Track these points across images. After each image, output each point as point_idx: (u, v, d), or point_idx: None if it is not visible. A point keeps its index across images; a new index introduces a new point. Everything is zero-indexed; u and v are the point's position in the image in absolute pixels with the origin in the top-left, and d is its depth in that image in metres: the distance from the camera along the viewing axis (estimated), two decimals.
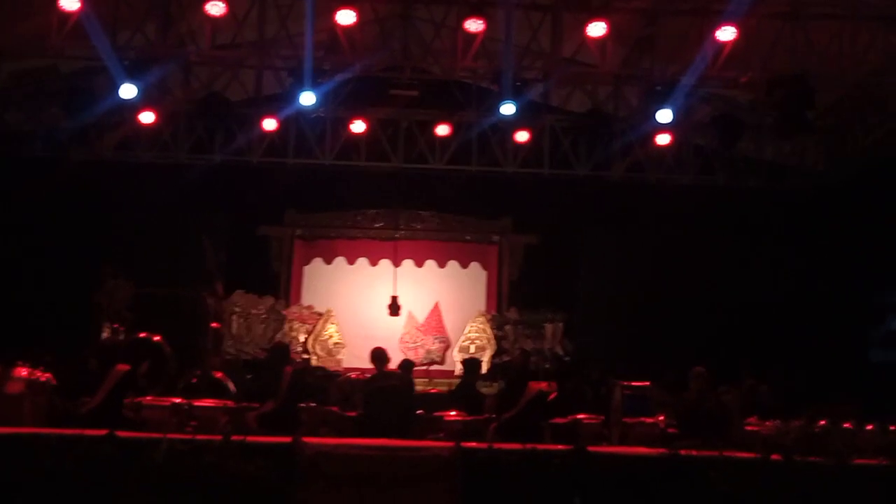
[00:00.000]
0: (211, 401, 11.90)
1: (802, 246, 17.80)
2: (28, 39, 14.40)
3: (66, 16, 13.59)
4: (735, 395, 13.12)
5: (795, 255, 17.88)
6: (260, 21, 14.76)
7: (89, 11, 13.52)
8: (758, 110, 15.92)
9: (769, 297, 17.89)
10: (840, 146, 17.29)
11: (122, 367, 11.72)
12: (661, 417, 12.27)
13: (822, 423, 11.77)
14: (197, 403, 11.58)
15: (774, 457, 9.23)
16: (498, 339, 19.40)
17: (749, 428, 12.25)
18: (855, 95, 15.95)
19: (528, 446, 9.28)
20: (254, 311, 19.28)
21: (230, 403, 12.22)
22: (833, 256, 17.41)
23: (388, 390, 12.69)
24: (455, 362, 19.03)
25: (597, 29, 14.06)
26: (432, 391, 16.04)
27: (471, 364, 15.05)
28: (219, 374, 13.75)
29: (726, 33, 13.70)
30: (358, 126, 17.05)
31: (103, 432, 8.86)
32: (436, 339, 19.73)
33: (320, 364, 18.67)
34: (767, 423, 12.26)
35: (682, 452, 9.25)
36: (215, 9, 13.84)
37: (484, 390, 15.35)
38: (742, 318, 17.73)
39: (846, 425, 11.74)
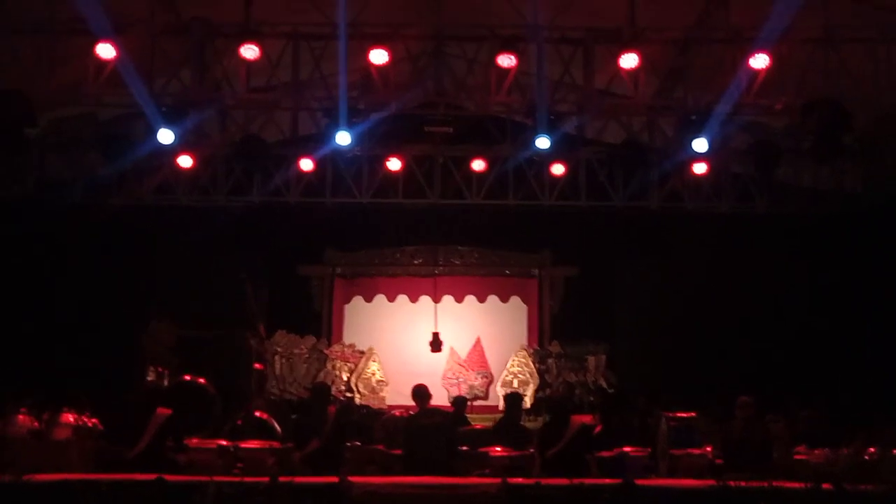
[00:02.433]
0: (257, 442, 11.96)
1: (844, 270, 17.64)
2: (65, 88, 14.53)
3: (102, 64, 13.76)
4: (783, 424, 13.01)
5: (838, 280, 17.73)
6: (294, 63, 14.85)
7: (125, 59, 13.68)
8: (794, 136, 15.82)
9: (812, 322, 17.75)
10: (878, 168, 17.15)
11: (164, 411, 11.78)
12: (709, 448, 12.19)
13: (872, 450, 11.65)
14: (243, 445, 11.66)
15: (825, 486, 9.12)
16: (541, 372, 19.34)
17: (798, 457, 12.15)
18: (891, 117, 15.85)
19: (576, 481, 9.23)
20: (296, 351, 19.36)
21: (276, 444, 12.26)
22: (876, 279, 17.25)
23: (430, 427, 12.66)
24: (498, 397, 19.00)
25: (629, 60, 14.09)
26: (477, 427, 15.97)
27: (512, 399, 14.96)
28: (264, 415, 13.80)
29: (759, 61, 13.68)
30: (394, 163, 17.08)
31: (151, 477, 8.91)
32: (478, 374, 19.72)
33: (364, 402, 18.69)
34: (816, 451, 12.15)
35: (732, 484, 9.17)
36: (249, 52, 13.98)
37: (528, 425, 15.29)
38: (786, 344, 17.60)
39: None
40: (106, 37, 13.48)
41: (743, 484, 9.17)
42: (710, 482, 9.45)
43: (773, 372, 16.78)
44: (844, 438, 12.32)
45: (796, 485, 9.40)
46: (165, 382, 14.84)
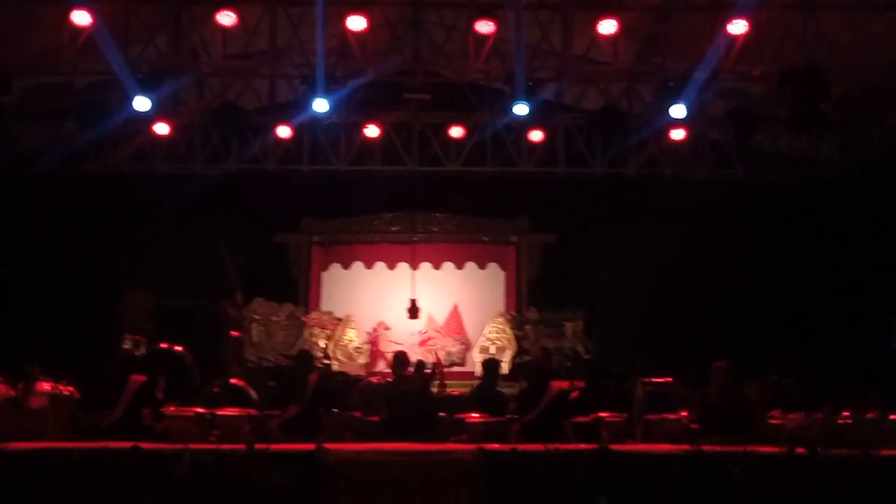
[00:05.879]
0: (233, 409, 11.95)
1: (821, 237, 17.74)
2: (40, 55, 14.42)
3: (77, 31, 13.64)
4: (758, 389, 13.08)
5: (814, 247, 17.84)
6: (271, 30, 14.73)
7: (100, 26, 13.56)
8: (771, 103, 15.81)
9: (789, 289, 17.85)
10: (855, 136, 17.19)
11: (138, 378, 11.76)
12: (685, 413, 12.24)
13: (846, 414, 11.72)
14: (219, 412, 11.63)
15: (799, 450, 9.18)
16: (518, 339, 19.38)
17: (773, 422, 12.21)
18: (869, 85, 15.86)
19: (552, 447, 9.26)
20: (274, 319, 19.34)
21: (253, 411, 12.26)
22: (852, 247, 17.34)
23: (409, 394, 12.71)
24: (475, 363, 19.03)
25: (608, 26, 14.03)
26: (454, 393, 16.01)
27: (490, 365, 14.94)
28: (240, 383, 13.80)
29: (738, 27, 13.64)
30: (372, 131, 17.02)
31: (127, 445, 8.90)
32: (456, 340, 19.76)
33: (341, 369, 18.69)
34: (791, 416, 12.21)
35: (706, 448, 9.22)
36: (226, 19, 13.86)
37: (505, 391, 15.31)
38: (762, 310, 17.71)
39: (870, 415, 11.68)
40: (81, 4, 13.34)
41: (717, 448, 9.22)
42: (685, 447, 9.50)
43: (748, 337, 16.88)
44: (819, 403, 12.39)
45: (771, 449, 9.46)
46: (142, 351, 14.79)
